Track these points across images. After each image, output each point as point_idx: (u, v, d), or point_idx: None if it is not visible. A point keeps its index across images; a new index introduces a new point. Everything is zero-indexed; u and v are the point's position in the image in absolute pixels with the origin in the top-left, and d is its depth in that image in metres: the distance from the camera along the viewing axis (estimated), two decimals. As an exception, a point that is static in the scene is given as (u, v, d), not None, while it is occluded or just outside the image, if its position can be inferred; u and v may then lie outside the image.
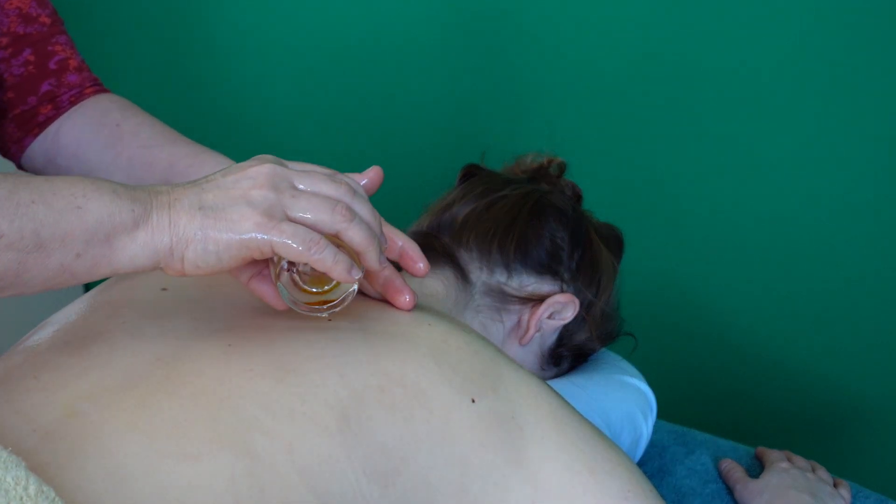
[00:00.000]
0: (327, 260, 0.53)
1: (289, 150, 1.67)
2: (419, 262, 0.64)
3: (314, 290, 0.58)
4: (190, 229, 0.52)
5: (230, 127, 1.60)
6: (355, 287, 0.58)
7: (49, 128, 0.86)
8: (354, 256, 0.56)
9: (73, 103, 0.86)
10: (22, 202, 0.48)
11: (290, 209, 0.53)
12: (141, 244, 0.52)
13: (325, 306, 0.58)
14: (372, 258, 0.56)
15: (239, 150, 1.68)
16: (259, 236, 0.52)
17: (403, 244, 0.64)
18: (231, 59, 1.58)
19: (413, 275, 0.65)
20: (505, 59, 1.36)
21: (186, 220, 0.52)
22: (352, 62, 1.47)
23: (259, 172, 0.54)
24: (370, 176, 0.63)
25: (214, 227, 0.52)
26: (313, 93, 1.53)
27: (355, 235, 0.55)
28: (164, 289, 0.63)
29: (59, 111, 0.86)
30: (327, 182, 0.56)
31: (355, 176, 0.62)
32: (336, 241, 0.55)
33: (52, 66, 0.85)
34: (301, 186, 0.55)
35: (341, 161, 1.59)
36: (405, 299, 0.62)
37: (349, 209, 0.55)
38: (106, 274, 0.52)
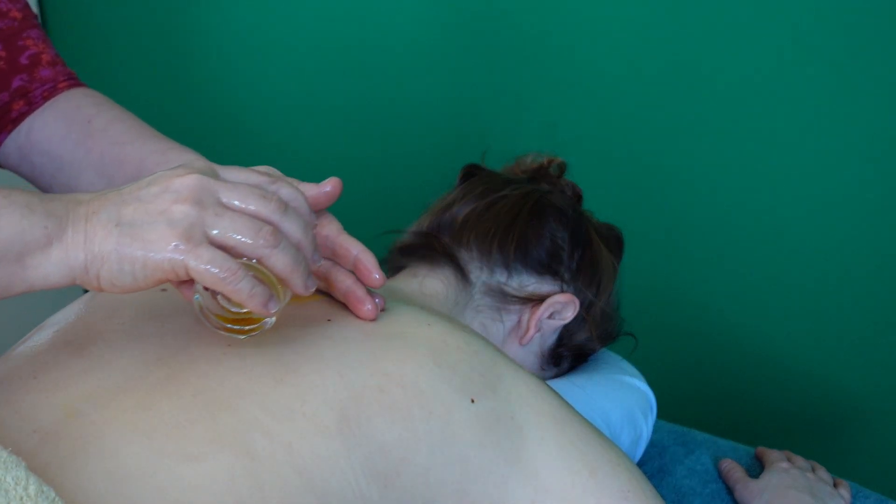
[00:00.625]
0: (243, 292, 0.50)
1: (289, 150, 1.68)
2: (374, 273, 0.61)
3: (234, 309, 0.55)
4: (105, 247, 0.49)
5: (230, 127, 1.60)
6: (273, 319, 0.56)
7: (22, 124, 0.84)
8: (275, 283, 0.54)
9: (46, 98, 0.84)
10: None
11: (212, 228, 0.50)
12: (55, 262, 0.50)
13: (246, 327, 0.55)
14: (297, 284, 0.53)
15: (239, 149, 1.69)
16: (176, 258, 0.49)
17: (358, 254, 0.61)
18: (232, 58, 1.58)
19: (370, 286, 0.62)
20: (505, 59, 1.36)
21: (102, 236, 0.50)
22: (352, 62, 1.47)
23: (183, 185, 0.51)
24: (326, 189, 0.60)
25: (130, 245, 0.49)
26: (313, 93, 1.53)
27: (277, 262, 0.52)
28: (163, 289, 0.63)
29: (31, 107, 0.84)
30: (256, 198, 0.52)
31: (309, 187, 0.59)
32: (259, 266, 0.52)
33: (23, 61, 0.84)
34: (227, 201, 0.52)
35: (341, 161, 1.60)
36: (367, 309, 0.60)
37: (275, 233, 0.52)
38: (21, 291, 0.50)
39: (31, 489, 0.43)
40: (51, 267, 0.50)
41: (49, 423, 0.50)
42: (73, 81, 0.87)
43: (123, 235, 0.49)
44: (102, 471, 0.47)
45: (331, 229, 0.61)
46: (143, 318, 0.60)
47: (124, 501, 0.46)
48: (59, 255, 0.50)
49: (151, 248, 0.49)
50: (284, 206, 0.54)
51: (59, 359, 0.56)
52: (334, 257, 0.62)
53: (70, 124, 0.83)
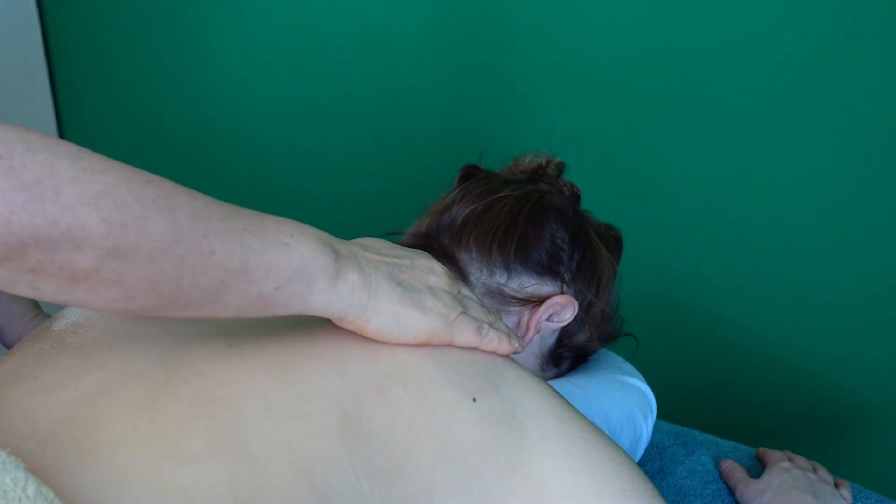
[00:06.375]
0: (493, 342, 0.61)
1: (288, 151, 1.67)
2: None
3: None
4: (385, 301, 0.56)
5: (229, 128, 1.60)
6: None
7: None
8: None
9: None
10: (234, 228, 0.50)
11: (465, 308, 0.61)
12: (339, 294, 0.54)
13: None
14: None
15: (237, 150, 1.68)
16: (444, 328, 0.59)
17: None
18: (230, 59, 1.58)
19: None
20: (504, 59, 1.36)
21: (386, 290, 0.56)
22: (351, 62, 1.47)
23: (441, 270, 0.62)
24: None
25: (409, 306, 0.57)
26: (312, 94, 1.53)
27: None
28: None
29: None
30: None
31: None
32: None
33: None
34: (464, 291, 0.63)
35: (342, 161, 1.59)
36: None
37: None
38: (296, 312, 0.54)
39: (30, 490, 0.42)
40: (334, 297, 0.54)
41: (49, 424, 0.50)
42: None
43: (404, 296, 0.57)
44: (102, 472, 0.47)
45: None
46: (143, 318, 0.60)
47: (124, 502, 0.46)
48: (344, 290, 0.55)
49: (426, 314, 0.58)
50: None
51: (60, 359, 0.56)
52: None
53: None
